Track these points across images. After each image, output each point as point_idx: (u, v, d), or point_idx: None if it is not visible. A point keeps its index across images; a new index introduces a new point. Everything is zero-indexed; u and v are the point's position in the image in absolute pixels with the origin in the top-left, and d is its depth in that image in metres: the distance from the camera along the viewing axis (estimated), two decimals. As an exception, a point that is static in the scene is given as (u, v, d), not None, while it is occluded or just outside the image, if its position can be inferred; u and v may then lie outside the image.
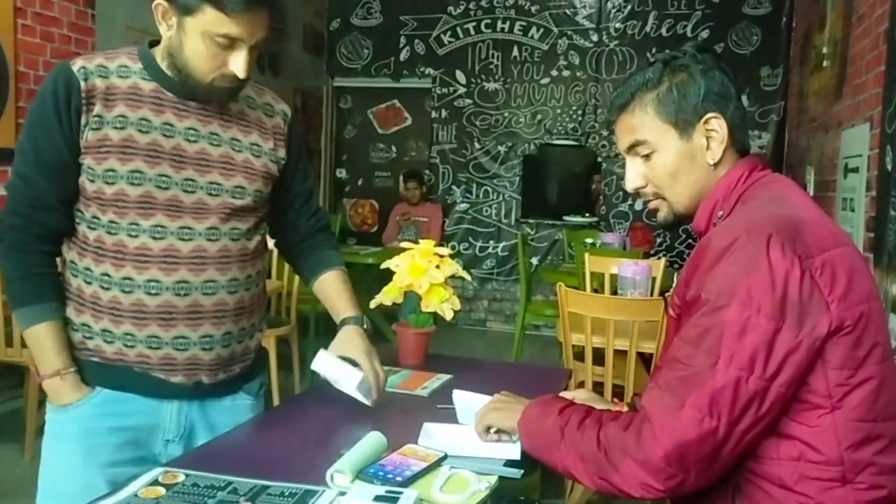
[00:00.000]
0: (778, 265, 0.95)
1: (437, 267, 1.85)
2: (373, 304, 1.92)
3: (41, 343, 1.34)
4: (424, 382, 1.69)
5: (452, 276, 1.89)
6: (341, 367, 1.49)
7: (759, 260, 0.96)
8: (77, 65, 1.31)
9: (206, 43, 1.27)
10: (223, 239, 1.40)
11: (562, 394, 1.39)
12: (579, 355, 2.91)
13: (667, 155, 1.14)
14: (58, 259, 1.40)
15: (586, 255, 3.84)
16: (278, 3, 1.34)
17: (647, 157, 1.16)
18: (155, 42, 1.39)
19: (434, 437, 1.30)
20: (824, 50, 4.22)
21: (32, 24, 3.70)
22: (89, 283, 1.35)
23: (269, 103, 1.51)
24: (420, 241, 5.99)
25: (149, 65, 1.36)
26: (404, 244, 1.93)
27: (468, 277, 1.97)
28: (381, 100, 6.80)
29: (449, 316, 1.84)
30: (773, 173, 1.13)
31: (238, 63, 1.30)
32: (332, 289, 1.63)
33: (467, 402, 1.41)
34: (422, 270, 1.83)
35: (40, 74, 3.74)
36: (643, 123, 1.15)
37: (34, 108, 1.33)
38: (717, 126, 1.12)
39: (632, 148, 1.18)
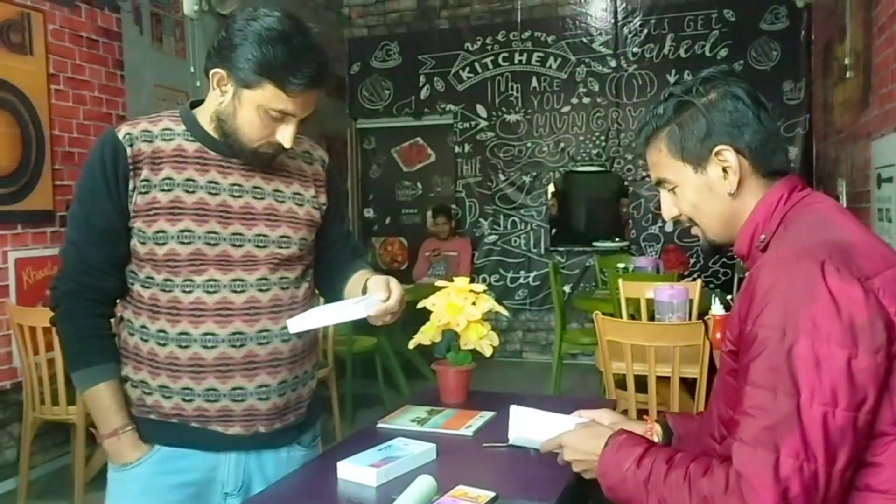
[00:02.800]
0: (838, 290, 0.93)
1: (473, 303, 1.85)
2: (411, 345, 1.92)
3: (100, 403, 1.37)
4: (468, 421, 1.68)
5: (489, 311, 1.89)
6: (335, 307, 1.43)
7: (817, 288, 0.94)
8: (122, 131, 1.36)
9: (259, 115, 1.31)
10: (273, 288, 1.43)
11: (581, 412, 1.38)
12: (620, 383, 2.88)
13: (687, 189, 1.16)
14: (112, 320, 1.43)
15: (620, 281, 3.81)
16: (331, 81, 1.37)
17: (672, 190, 1.18)
18: (195, 103, 1.43)
19: (521, 420, 1.33)
20: (846, 61, 4.19)
21: (65, 89, 3.82)
22: (146, 340, 1.38)
23: (307, 151, 1.55)
24: (450, 275, 6.00)
25: (191, 126, 1.40)
26: (438, 282, 1.94)
27: (505, 313, 1.96)
28: (404, 138, 6.88)
29: (488, 352, 1.83)
30: (813, 192, 1.12)
31: (285, 134, 1.34)
32: (357, 275, 1.56)
33: (525, 417, 1.40)
34: (458, 308, 1.83)
35: (74, 137, 3.86)
36: (660, 161, 1.18)
37: (83, 176, 1.38)
38: (729, 157, 1.11)
39: (659, 183, 1.21)
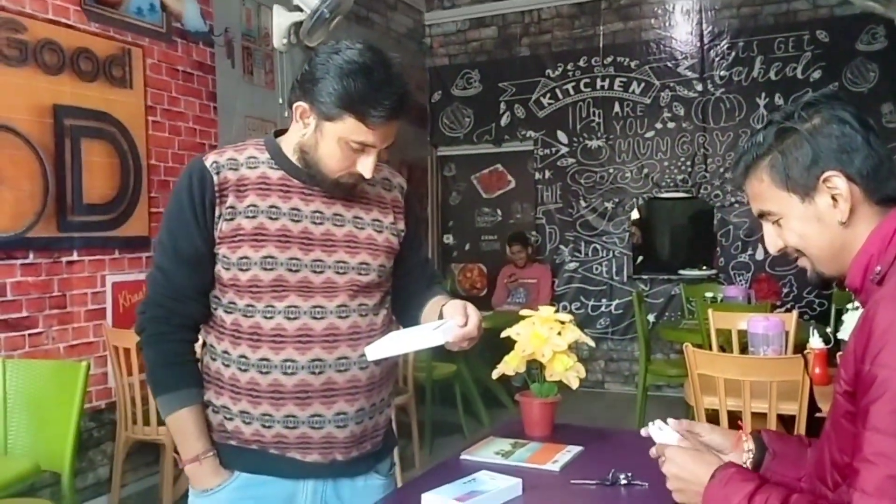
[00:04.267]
0: None
1: (559, 333, 1.80)
2: (495, 375, 1.88)
3: (182, 428, 1.39)
4: (555, 455, 1.62)
5: (574, 342, 1.83)
6: (410, 332, 1.40)
7: None
8: (209, 160, 1.39)
9: (341, 147, 1.33)
10: (353, 315, 1.42)
11: (670, 422, 1.28)
12: (712, 418, 2.74)
13: (793, 220, 1.09)
14: (196, 345, 1.45)
15: (710, 311, 3.66)
16: (411, 112, 1.37)
17: (776, 222, 1.11)
18: (280, 131, 1.46)
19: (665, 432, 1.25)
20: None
21: (161, 120, 4.00)
22: (227, 365, 1.39)
23: (386, 178, 1.55)
24: (530, 302, 5.94)
25: (275, 154, 1.42)
26: (522, 311, 1.90)
27: (591, 343, 1.90)
28: (483, 165, 6.88)
29: (575, 384, 1.77)
30: None
31: (366, 165, 1.35)
32: (434, 301, 1.51)
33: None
34: (543, 339, 1.78)
35: (170, 166, 4.03)
36: (762, 193, 1.12)
37: (171, 203, 1.41)
38: (839, 184, 1.04)
39: (762, 216, 1.14)
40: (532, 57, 6.58)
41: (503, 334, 1.89)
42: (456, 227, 7.05)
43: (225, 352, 1.40)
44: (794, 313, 3.53)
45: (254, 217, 1.36)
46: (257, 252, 1.35)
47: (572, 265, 6.42)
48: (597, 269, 6.34)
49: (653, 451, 1.25)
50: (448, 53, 6.95)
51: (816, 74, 5.65)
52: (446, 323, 1.33)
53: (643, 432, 1.30)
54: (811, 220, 1.07)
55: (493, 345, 1.96)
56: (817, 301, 5.65)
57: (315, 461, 1.40)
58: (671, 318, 5.98)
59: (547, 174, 6.51)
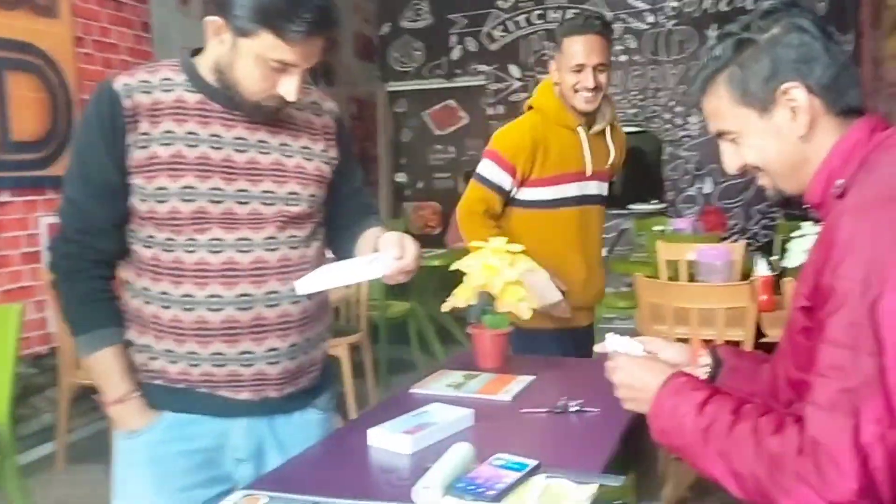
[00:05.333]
0: None
1: (510, 264, 1.77)
2: (445, 308, 1.84)
3: (104, 369, 1.32)
4: (506, 386, 1.62)
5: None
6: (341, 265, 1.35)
7: None
8: (119, 82, 1.28)
9: (259, 66, 1.23)
10: (282, 248, 1.35)
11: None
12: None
13: (751, 136, 1.05)
14: (114, 282, 1.37)
15: (659, 243, 3.69)
16: (337, 29, 1.28)
17: (734, 140, 1.07)
18: (196, 51, 1.35)
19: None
20: (902, 8, 3.96)
21: (91, 52, 3.78)
22: (148, 302, 1.32)
23: (315, 102, 1.45)
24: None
25: (192, 75, 1.31)
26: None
27: (543, 272, 1.88)
28: (435, 101, 6.75)
29: (527, 315, 1.76)
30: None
31: (289, 87, 1.25)
32: (370, 234, 1.44)
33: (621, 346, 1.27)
34: (495, 270, 1.75)
35: (104, 101, 3.82)
36: (719, 109, 1.07)
37: (79, 131, 1.32)
38: (797, 95, 1.00)
39: (720, 135, 1.10)
40: (483, -13, 6.41)
41: (453, 266, 1.85)
42: (408, 164, 6.95)
43: (145, 288, 1.31)
44: (742, 243, 3.58)
45: (170, 144, 1.27)
46: (175, 182, 1.26)
47: (525, 201, 6.39)
48: (549, 204, 6.34)
49: (610, 356, 1.22)
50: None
51: (766, 5, 5.60)
52: (381, 256, 1.27)
53: (598, 347, 1.28)
54: (770, 135, 1.03)
55: (447, 282, 1.92)
56: (762, 232, 5.77)
57: (247, 399, 1.34)
58: (622, 252, 6.04)
59: (500, 109, 6.42)
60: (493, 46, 6.40)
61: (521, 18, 6.29)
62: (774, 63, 1.00)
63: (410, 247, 1.29)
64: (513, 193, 2.23)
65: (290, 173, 1.36)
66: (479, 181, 2.25)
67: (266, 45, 1.20)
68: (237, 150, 1.32)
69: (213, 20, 1.24)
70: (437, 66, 6.60)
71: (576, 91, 2.13)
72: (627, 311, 4.76)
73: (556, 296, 2.14)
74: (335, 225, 1.50)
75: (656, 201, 6.03)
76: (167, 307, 1.30)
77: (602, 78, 2.12)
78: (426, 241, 6.58)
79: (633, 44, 5.99)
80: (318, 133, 1.43)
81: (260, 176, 1.33)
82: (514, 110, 6.31)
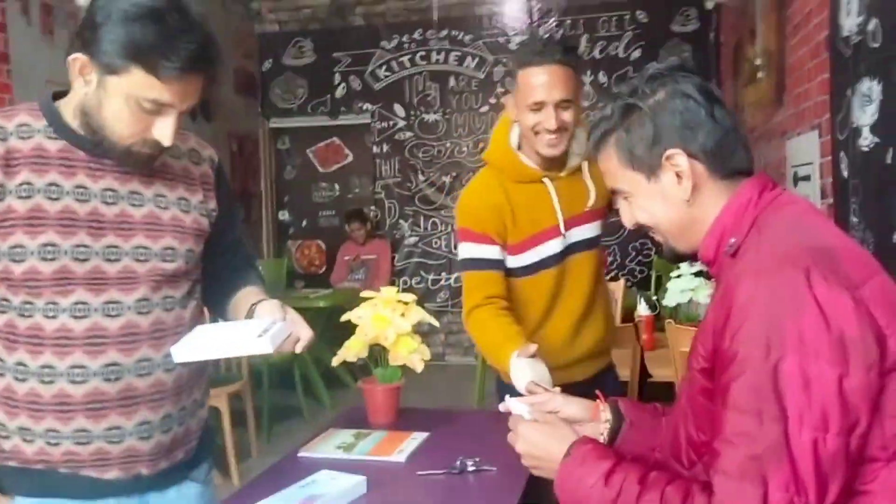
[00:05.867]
0: (827, 301, 0.84)
1: (402, 315, 1.72)
2: (335, 361, 1.77)
3: None
4: (400, 445, 1.55)
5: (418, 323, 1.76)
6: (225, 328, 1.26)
7: (803, 298, 0.84)
8: None
9: (129, 106, 1.12)
10: (156, 311, 1.23)
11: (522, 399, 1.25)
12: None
13: (640, 198, 1.08)
14: None
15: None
16: (217, 66, 1.18)
17: (627, 199, 1.09)
18: (60, 93, 1.22)
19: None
20: (758, 62, 4.27)
21: (-59, 84, 3.45)
22: (1, 375, 1.17)
23: (194, 149, 1.35)
24: (370, 278, 5.77)
25: (54, 120, 1.19)
26: (357, 286, 1.81)
27: (436, 323, 1.84)
28: (319, 138, 6.65)
29: (419, 367, 1.71)
30: (787, 193, 1.04)
31: (164, 130, 1.15)
32: (245, 294, 1.37)
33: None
34: (386, 321, 1.69)
35: (-48, 136, 3.49)
36: (611, 170, 1.10)
37: None
38: (680, 161, 1.02)
39: (614, 192, 1.12)
40: (367, 27, 6.41)
41: (343, 318, 1.78)
42: (292, 202, 6.79)
43: None
44: (622, 281, 3.70)
45: (28, 197, 1.14)
46: (34, 239, 1.13)
47: (412, 239, 6.39)
48: (436, 243, 6.36)
49: (510, 422, 1.19)
50: (278, 20, 6.61)
51: (636, 53, 5.95)
52: (275, 327, 1.18)
53: (501, 407, 1.24)
54: (657, 198, 1.05)
55: (333, 324, 1.84)
56: (638, 269, 6.01)
57: (116, 478, 1.21)
58: (508, 289, 6.12)
59: (385, 148, 6.41)
60: (378, 85, 6.40)
61: (406, 59, 6.33)
62: (658, 129, 1.02)
63: (297, 319, 1.22)
64: (507, 262, 1.87)
65: (165, 227, 1.25)
66: (464, 268, 1.89)
67: (137, 83, 1.09)
68: (106, 203, 1.20)
69: (77, 58, 1.12)
70: (321, 103, 6.52)
71: (536, 133, 1.76)
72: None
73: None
74: (211, 279, 1.39)
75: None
76: (23, 380, 1.16)
77: (566, 116, 1.73)
78: (311, 280, 6.52)
79: (513, 87, 6.13)
80: (195, 183, 1.32)
81: (132, 230, 1.21)
82: (398, 148, 6.34)
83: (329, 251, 6.58)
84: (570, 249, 1.89)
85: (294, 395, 4.71)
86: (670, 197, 1.04)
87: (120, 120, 1.13)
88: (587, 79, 5.99)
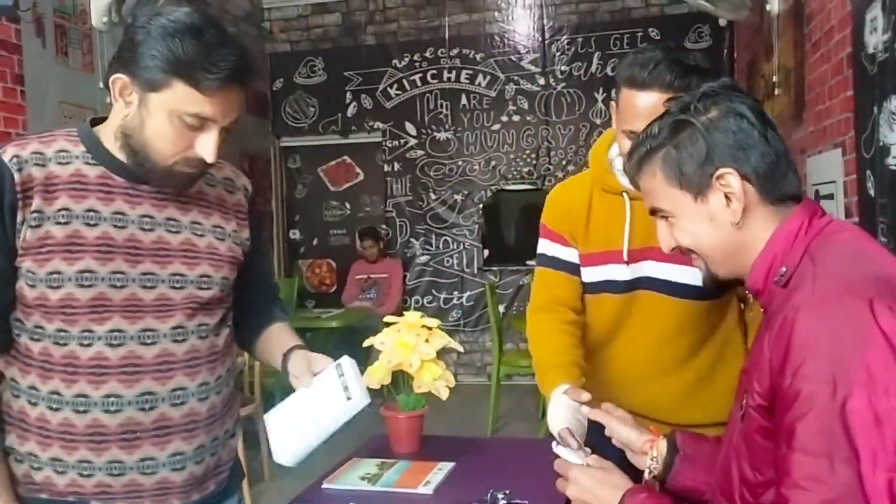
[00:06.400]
0: (894, 332, 0.80)
1: (426, 340, 1.68)
2: (357, 389, 1.72)
3: None
4: (426, 476, 1.50)
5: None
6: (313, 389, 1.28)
7: (869, 331, 0.80)
8: (8, 154, 1.12)
9: (172, 122, 1.11)
10: (191, 338, 1.22)
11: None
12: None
13: (684, 219, 1.03)
14: None
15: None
16: (254, 80, 1.19)
17: (668, 220, 1.05)
18: (97, 120, 1.22)
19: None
20: (774, 78, 4.23)
21: (-45, 105, 3.45)
22: (34, 403, 1.14)
23: (229, 178, 1.35)
24: (382, 298, 5.71)
25: (92, 146, 1.18)
26: (369, 305, 1.77)
27: (460, 349, 1.79)
28: (330, 157, 6.65)
29: (445, 394, 1.66)
30: (836, 220, 1.00)
31: (207, 146, 1.14)
32: (276, 337, 1.40)
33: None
34: (410, 346, 1.65)
35: (-33, 157, 3.48)
36: (654, 189, 1.05)
37: None
38: (731, 182, 0.98)
39: (654, 213, 1.07)
40: (378, 46, 6.42)
41: (366, 343, 1.74)
42: (303, 221, 6.77)
43: (32, 387, 1.14)
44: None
45: (67, 223, 1.12)
46: (72, 266, 1.11)
47: (423, 258, 6.36)
48: (448, 261, 6.32)
49: (557, 465, 1.15)
50: (290, 39, 6.64)
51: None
52: (342, 374, 1.22)
53: (554, 447, 1.20)
54: (703, 220, 1.01)
55: (346, 342, 1.80)
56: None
57: None
58: (521, 307, 6.07)
59: (396, 166, 6.40)
60: (389, 104, 6.39)
61: (417, 77, 6.33)
62: (710, 147, 0.98)
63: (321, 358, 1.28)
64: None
65: (201, 254, 1.24)
66: (537, 263, 1.79)
67: (180, 97, 1.09)
68: (143, 229, 1.18)
69: (118, 78, 1.11)
70: (332, 122, 6.52)
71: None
72: (529, 368, 4.74)
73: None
74: (240, 311, 1.38)
75: (552, 257, 6.11)
76: (57, 409, 1.13)
77: None
78: (322, 299, 6.49)
79: (525, 105, 6.13)
80: (230, 212, 1.31)
81: (168, 257, 1.20)
82: (410, 167, 6.32)
83: (340, 270, 6.55)
84: (641, 283, 1.65)
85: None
86: (717, 219, 1.00)
87: (163, 138, 1.12)
88: (599, 96, 5.97)
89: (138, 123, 1.12)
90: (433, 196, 6.32)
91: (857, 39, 2.65)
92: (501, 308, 6.05)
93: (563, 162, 6.07)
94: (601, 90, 5.97)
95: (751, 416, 0.94)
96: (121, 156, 1.17)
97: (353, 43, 6.48)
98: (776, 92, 4.20)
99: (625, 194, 1.66)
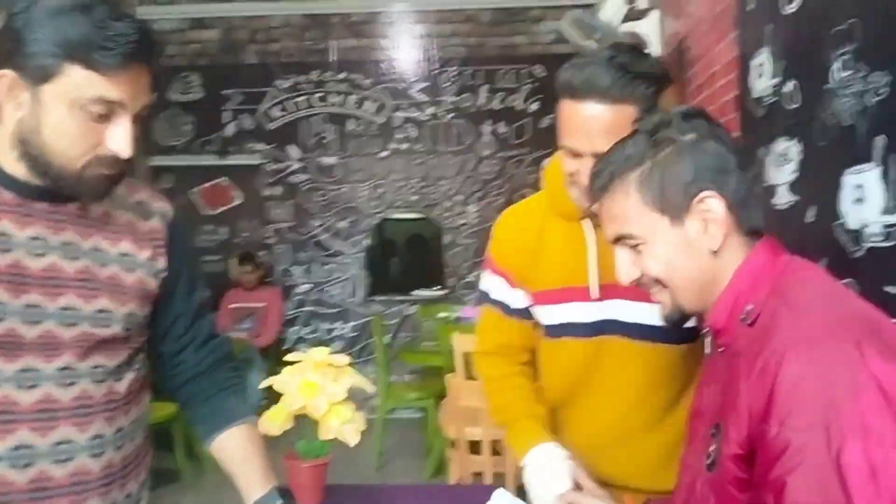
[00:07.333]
0: (886, 377, 0.75)
1: (335, 380, 1.52)
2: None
3: None
4: (336, 534, 1.34)
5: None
6: None
7: (859, 376, 0.75)
8: None
9: (74, 115, 0.95)
10: (81, 382, 1.03)
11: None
12: (475, 449, 2.65)
13: (659, 246, 0.95)
14: None
15: (455, 335, 3.61)
16: (158, 57, 1.03)
17: (636, 247, 0.97)
18: None
19: None
20: (655, 118, 4.41)
21: None
22: None
23: (142, 201, 1.18)
24: (259, 329, 5.41)
25: None
26: (243, 336, 1.60)
27: (371, 388, 1.65)
28: (206, 178, 6.29)
29: (354, 440, 1.51)
30: (796, 258, 0.96)
31: (119, 138, 0.98)
32: (236, 453, 1.25)
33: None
34: (316, 388, 1.49)
35: None
36: (627, 212, 0.96)
37: None
38: (714, 206, 0.93)
39: (619, 240, 0.98)
40: (260, 65, 6.18)
41: (263, 384, 1.56)
42: (173, 245, 6.35)
43: None
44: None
45: None
46: None
47: (304, 287, 6.12)
48: (331, 291, 6.12)
49: None
50: (165, 53, 6.26)
51: (535, 106, 6.04)
52: None
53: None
54: (679, 246, 0.93)
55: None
56: (537, 318, 6.01)
57: None
58: (406, 338, 5.96)
59: (277, 190, 6.15)
60: (271, 125, 6.16)
61: (301, 99, 6.14)
62: (696, 167, 0.91)
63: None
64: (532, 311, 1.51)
65: (101, 285, 1.06)
66: (480, 300, 1.60)
67: (78, 82, 0.94)
68: (32, 254, 1.00)
69: (2, 75, 0.95)
70: (209, 141, 6.20)
71: (572, 182, 1.32)
72: (418, 402, 4.63)
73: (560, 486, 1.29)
74: (167, 356, 1.22)
75: (438, 287, 6.07)
76: None
77: None
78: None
79: (413, 133, 6.09)
80: (143, 238, 1.14)
81: (60, 287, 1.02)
82: (292, 191, 6.10)
83: (215, 297, 6.17)
84: (608, 327, 1.42)
85: (169, 456, 4.30)
86: (694, 246, 0.93)
87: (66, 135, 0.95)
88: (488, 128, 6.02)
89: (34, 124, 0.96)
90: (317, 222, 6.12)
91: (743, 83, 2.77)
92: (386, 339, 5.91)
93: (451, 192, 6.05)
94: (489, 122, 6.02)
95: (725, 467, 0.87)
96: (19, 168, 0.99)
97: (234, 60, 6.21)
98: (658, 131, 4.37)
99: (585, 221, 1.43)
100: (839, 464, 0.74)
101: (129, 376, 1.12)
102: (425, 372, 5.26)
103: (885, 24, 1.61)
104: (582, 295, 1.41)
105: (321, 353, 1.55)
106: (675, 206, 0.93)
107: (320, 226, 6.12)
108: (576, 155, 1.28)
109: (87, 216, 1.07)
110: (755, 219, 0.96)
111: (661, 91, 1.24)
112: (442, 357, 4.22)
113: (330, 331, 6.10)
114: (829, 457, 0.74)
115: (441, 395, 4.28)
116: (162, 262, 1.17)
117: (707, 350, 1.03)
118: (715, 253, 0.93)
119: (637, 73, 1.20)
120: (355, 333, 6.07)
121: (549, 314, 1.47)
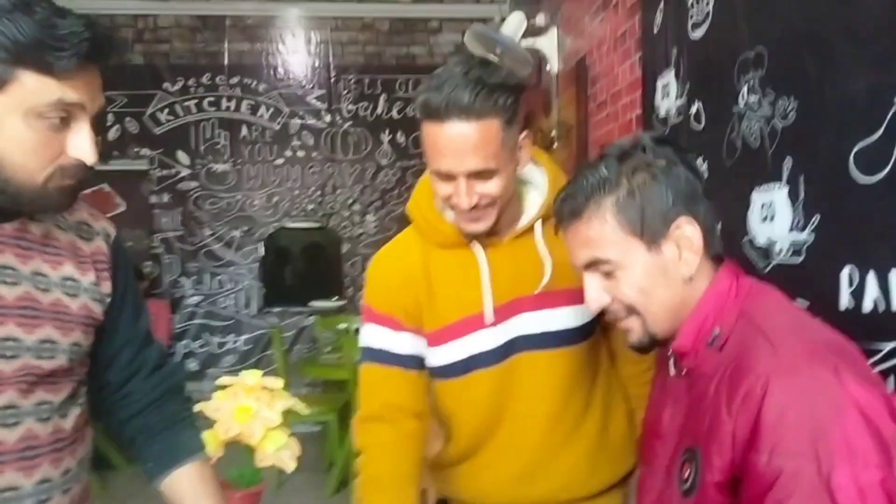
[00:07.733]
0: (864, 400, 0.78)
1: (269, 405, 1.45)
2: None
3: None
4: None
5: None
6: None
7: (842, 400, 0.78)
8: None
9: (31, 125, 0.87)
10: (26, 421, 0.94)
11: None
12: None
13: (634, 272, 0.95)
14: None
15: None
16: (113, 54, 0.95)
17: (608, 273, 0.97)
18: None
19: None
20: (553, 133, 4.54)
21: None
22: None
23: (84, 221, 1.10)
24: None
25: None
26: (221, 379, 1.51)
27: (306, 411, 1.58)
28: (86, 184, 5.89)
29: (291, 466, 1.44)
30: (755, 280, 0.99)
31: (82, 144, 0.91)
32: (187, 494, 1.16)
33: None
34: (251, 413, 1.42)
35: None
36: (602, 237, 0.95)
37: None
38: (689, 232, 0.94)
39: (590, 265, 0.98)
40: (147, 66, 5.88)
41: (196, 408, 1.47)
42: (48, 255, 5.91)
43: None
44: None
45: None
46: None
47: (195, 299, 5.85)
48: (223, 302, 5.88)
49: None
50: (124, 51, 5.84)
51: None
52: None
53: None
54: (656, 272, 0.94)
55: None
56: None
57: None
58: (302, 350, 5.81)
59: (165, 198, 5.86)
60: (159, 130, 5.87)
61: (192, 104, 5.89)
62: (674, 193, 0.93)
63: None
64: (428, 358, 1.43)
65: (44, 313, 0.97)
66: (362, 359, 1.46)
67: (32, 89, 0.86)
68: None
69: None
70: (89, 145, 5.82)
71: (452, 206, 1.30)
72: (313, 417, 4.51)
73: None
74: (110, 388, 1.11)
75: (336, 298, 5.97)
76: None
77: (491, 187, 1.24)
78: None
79: (310, 141, 5.97)
80: (87, 261, 1.05)
81: (1, 317, 0.93)
82: (181, 199, 5.84)
83: (94, 311, 5.80)
84: (516, 346, 1.38)
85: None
86: (670, 272, 0.94)
87: (25, 149, 0.87)
88: (386, 137, 6.00)
89: None
90: (208, 231, 5.87)
91: (647, 102, 2.89)
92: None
93: (349, 201, 5.98)
94: (387, 131, 6.00)
95: (706, 494, 0.89)
96: None
97: (118, 60, 5.83)
98: (555, 145, 4.50)
99: (474, 244, 1.38)
100: (831, 488, 0.76)
101: (75, 412, 1.02)
102: (325, 385, 5.15)
103: (791, 52, 1.71)
104: (479, 323, 1.37)
105: (254, 376, 1.47)
106: (653, 232, 0.94)
107: (211, 235, 5.87)
108: (449, 177, 1.25)
109: (26, 237, 0.97)
110: (719, 245, 0.99)
111: (518, 100, 1.25)
112: (346, 370, 4.14)
113: (222, 344, 5.86)
114: (821, 481, 0.77)
115: (343, 409, 4.20)
116: (107, 287, 1.07)
117: (672, 372, 1.05)
118: (687, 280, 0.95)
119: (494, 85, 1.21)
120: (248, 347, 5.87)
121: (451, 352, 1.40)
